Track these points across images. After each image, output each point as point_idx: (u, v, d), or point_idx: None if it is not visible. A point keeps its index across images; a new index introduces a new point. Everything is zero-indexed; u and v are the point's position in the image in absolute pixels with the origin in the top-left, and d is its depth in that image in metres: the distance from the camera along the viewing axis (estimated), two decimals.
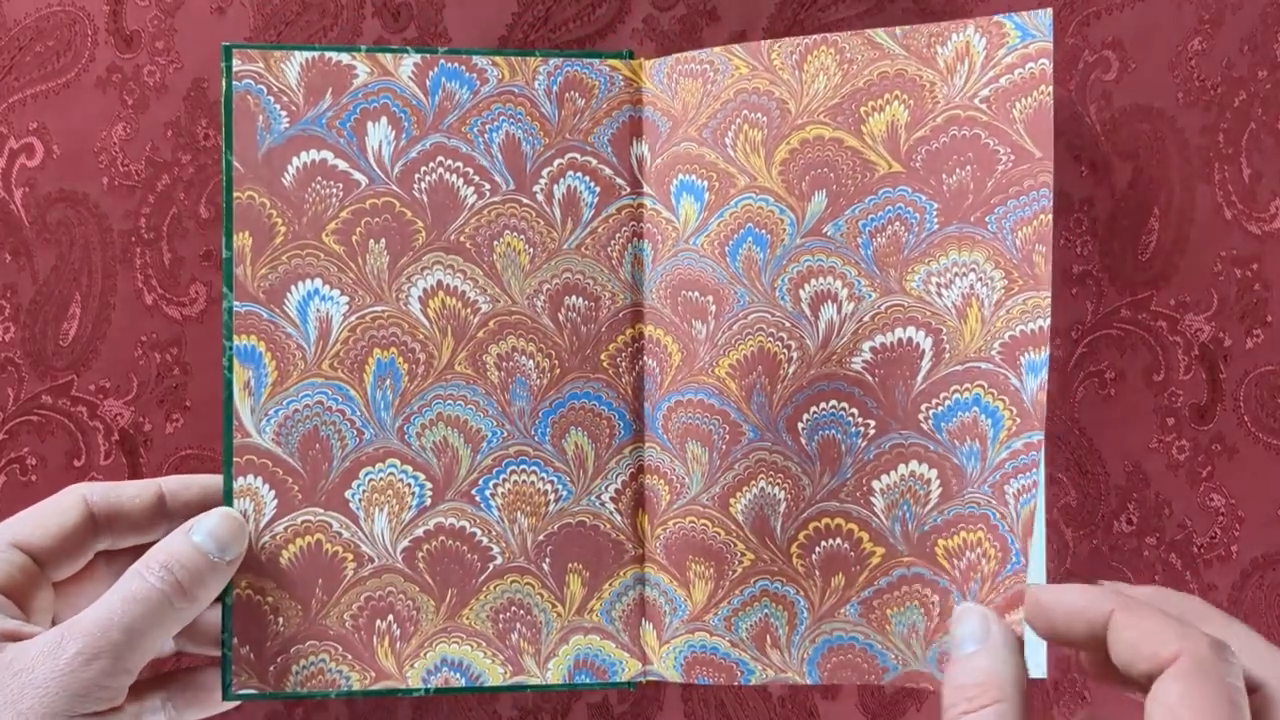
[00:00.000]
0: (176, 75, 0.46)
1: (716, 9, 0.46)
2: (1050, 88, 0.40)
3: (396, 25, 0.46)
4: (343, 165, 0.41)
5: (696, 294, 0.41)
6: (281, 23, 0.45)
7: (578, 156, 0.42)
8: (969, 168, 0.40)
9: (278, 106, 0.41)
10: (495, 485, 0.41)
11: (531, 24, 0.46)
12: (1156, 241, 0.47)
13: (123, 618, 0.36)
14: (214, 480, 0.41)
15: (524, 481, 0.41)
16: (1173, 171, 0.47)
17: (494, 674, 0.41)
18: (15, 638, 0.36)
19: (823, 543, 0.41)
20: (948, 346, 0.40)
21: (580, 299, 0.41)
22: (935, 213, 0.41)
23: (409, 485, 0.41)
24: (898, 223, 0.41)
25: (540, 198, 0.41)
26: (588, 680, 0.42)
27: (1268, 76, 0.47)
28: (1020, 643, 0.34)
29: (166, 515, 0.40)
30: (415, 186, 0.41)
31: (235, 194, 0.40)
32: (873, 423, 0.41)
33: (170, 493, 0.41)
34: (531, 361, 0.41)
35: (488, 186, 0.41)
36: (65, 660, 0.34)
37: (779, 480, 0.41)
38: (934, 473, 0.41)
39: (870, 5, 0.46)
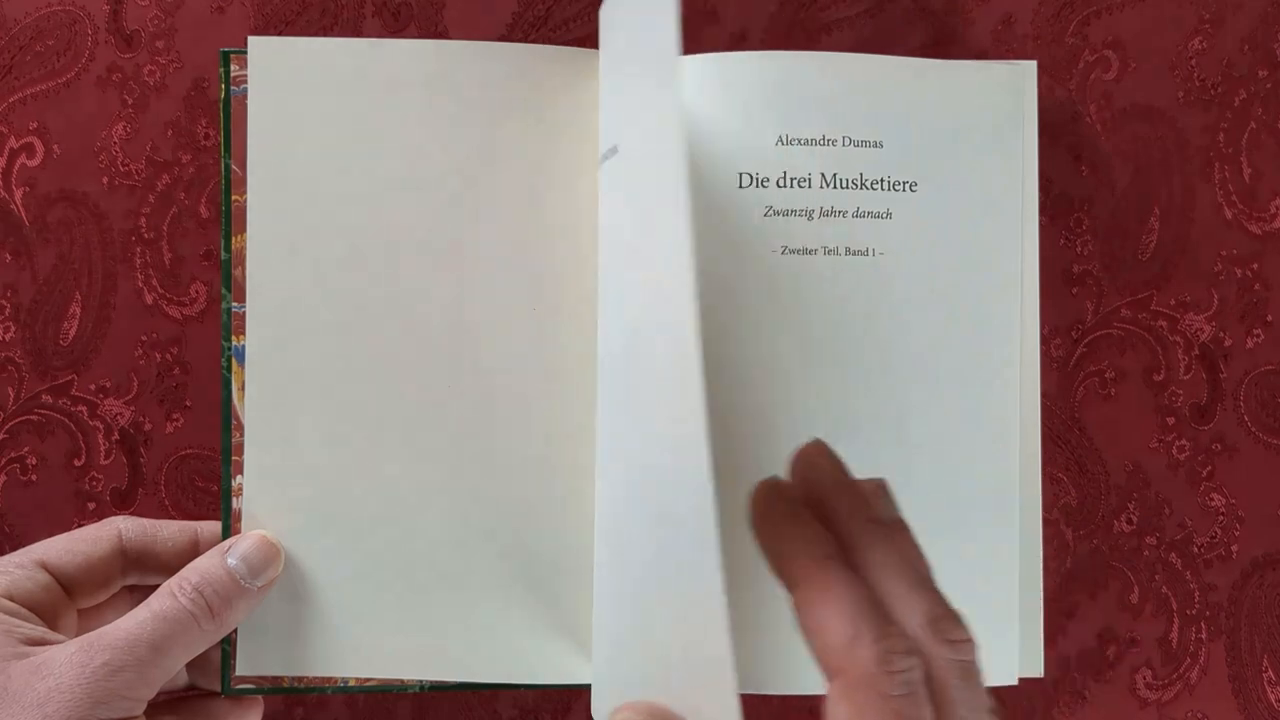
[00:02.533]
0: (176, 75, 0.46)
1: (716, 9, 0.46)
2: None
3: (396, 24, 0.46)
4: None
5: None
6: (282, 22, 0.46)
7: None
8: None
9: None
10: None
11: (532, 23, 0.46)
12: (1156, 241, 0.47)
13: (151, 634, 0.36)
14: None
15: None
16: (1173, 171, 0.47)
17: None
18: (43, 644, 0.37)
19: None
20: None
21: None
22: None
23: None
24: None
25: None
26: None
27: (1268, 76, 0.47)
28: None
29: None
30: None
31: (233, 196, 0.40)
32: None
33: (205, 541, 0.41)
34: None
35: None
36: (92, 669, 0.35)
37: None
38: None
39: (870, 5, 0.47)
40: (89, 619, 0.40)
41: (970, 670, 0.31)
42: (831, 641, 0.30)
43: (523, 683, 0.41)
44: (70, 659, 0.35)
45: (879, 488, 0.34)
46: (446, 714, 0.47)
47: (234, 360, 0.40)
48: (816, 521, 0.32)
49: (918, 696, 0.29)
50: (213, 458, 0.46)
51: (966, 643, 0.31)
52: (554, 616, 0.41)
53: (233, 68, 0.40)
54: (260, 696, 0.42)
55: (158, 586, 0.39)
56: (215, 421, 0.45)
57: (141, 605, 0.37)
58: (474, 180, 0.41)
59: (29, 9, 0.46)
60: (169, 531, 0.41)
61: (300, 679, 0.41)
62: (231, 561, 0.39)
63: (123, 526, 0.41)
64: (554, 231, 0.41)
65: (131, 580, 0.41)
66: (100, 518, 0.45)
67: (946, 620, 0.31)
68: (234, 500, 0.40)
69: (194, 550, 0.41)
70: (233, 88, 0.40)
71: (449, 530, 0.41)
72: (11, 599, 0.38)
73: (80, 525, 0.45)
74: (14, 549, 0.44)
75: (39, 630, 0.37)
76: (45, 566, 0.39)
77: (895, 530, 0.33)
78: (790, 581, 0.32)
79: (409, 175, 0.41)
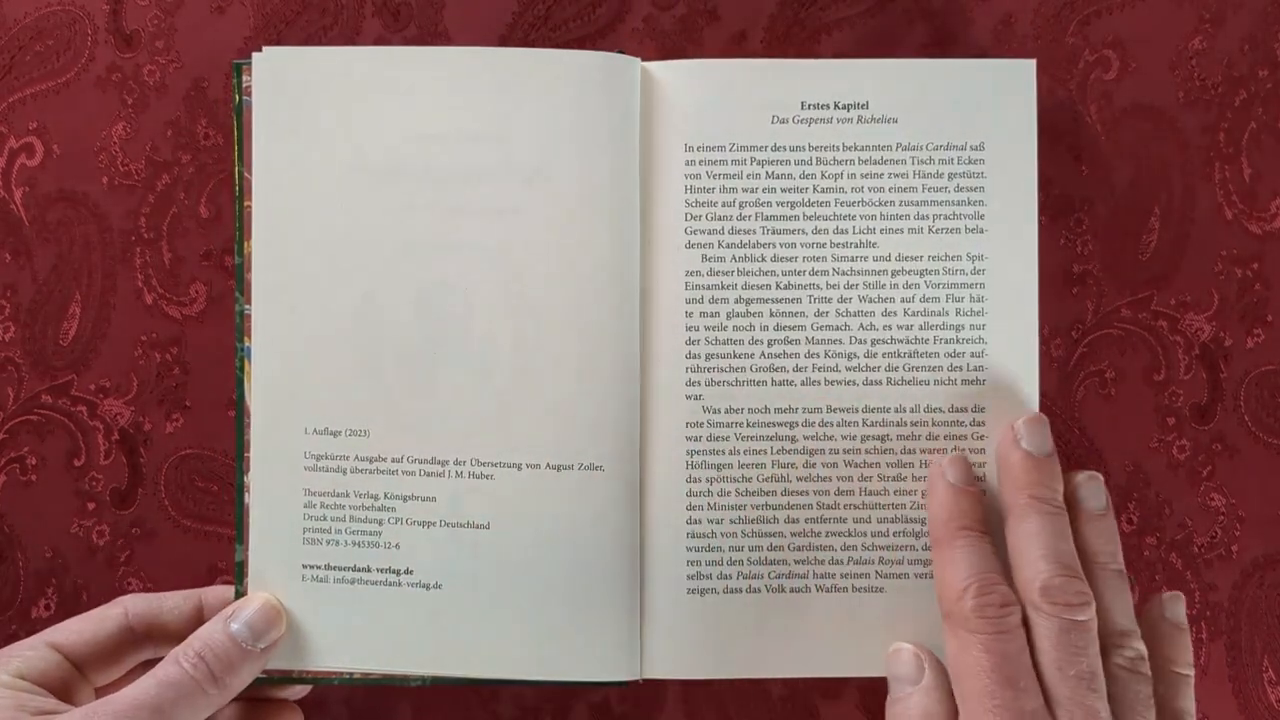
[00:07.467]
0: (176, 75, 0.48)
1: (717, 9, 0.48)
2: None
3: (396, 25, 0.48)
4: None
5: None
6: (281, 22, 0.48)
7: None
8: None
9: None
10: None
11: (532, 23, 0.48)
12: (1156, 241, 0.49)
13: (154, 700, 0.39)
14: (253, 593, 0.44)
15: None
16: (1173, 171, 0.49)
17: None
18: (53, 714, 0.39)
19: None
20: None
21: None
22: None
23: None
24: None
25: None
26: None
27: (1268, 76, 0.49)
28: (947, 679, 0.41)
29: None
30: None
31: (245, 202, 0.43)
32: None
33: (209, 606, 0.44)
34: None
35: None
36: None
37: None
38: None
39: (870, 5, 0.49)
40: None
41: (1070, 628, 0.39)
42: (944, 593, 0.41)
43: (524, 681, 0.44)
44: None
45: (1089, 478, 0.43)
46: (446, 714, 0.49)
47: (246, 360, 0.43)
48: (974, 495, 0.42)
49: (1009, 635, 0.39)
50: (213, 458, 0.48)
51: (1069, 606, 0.39)
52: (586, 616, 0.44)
53: (245, 78, 0.43)
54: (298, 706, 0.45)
55: None
56: (215, 421, 0.48)
57: (148, 674, 0.40)
58: (479, 182, 0.43)
59: (29, 9, 0.48)
60: (173, 601, 0.44)
61: (306, 671, 0.44)
62: (234, 627, 0.41)
63: (129, 604, 0.43)
64: (570, 234, 0.44)
65: (147, 655, 0.43)
66: (100, 518, 0.48)
67: (1053, 588, 0.39)
68: (245, 496, 0.43)
69: (199, 617, 0.44)
70: (245, 97, 0.43)
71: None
72: (24, 679, 0.40)
73: (80, 525, 0.48)
74: (14, 549, 0.47)
75: (50, 702, 0.39)
76: (56, 648, 0.41)
77: (1066, 513, 0.42)
78: (932, 543, 0.42)
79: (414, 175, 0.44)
